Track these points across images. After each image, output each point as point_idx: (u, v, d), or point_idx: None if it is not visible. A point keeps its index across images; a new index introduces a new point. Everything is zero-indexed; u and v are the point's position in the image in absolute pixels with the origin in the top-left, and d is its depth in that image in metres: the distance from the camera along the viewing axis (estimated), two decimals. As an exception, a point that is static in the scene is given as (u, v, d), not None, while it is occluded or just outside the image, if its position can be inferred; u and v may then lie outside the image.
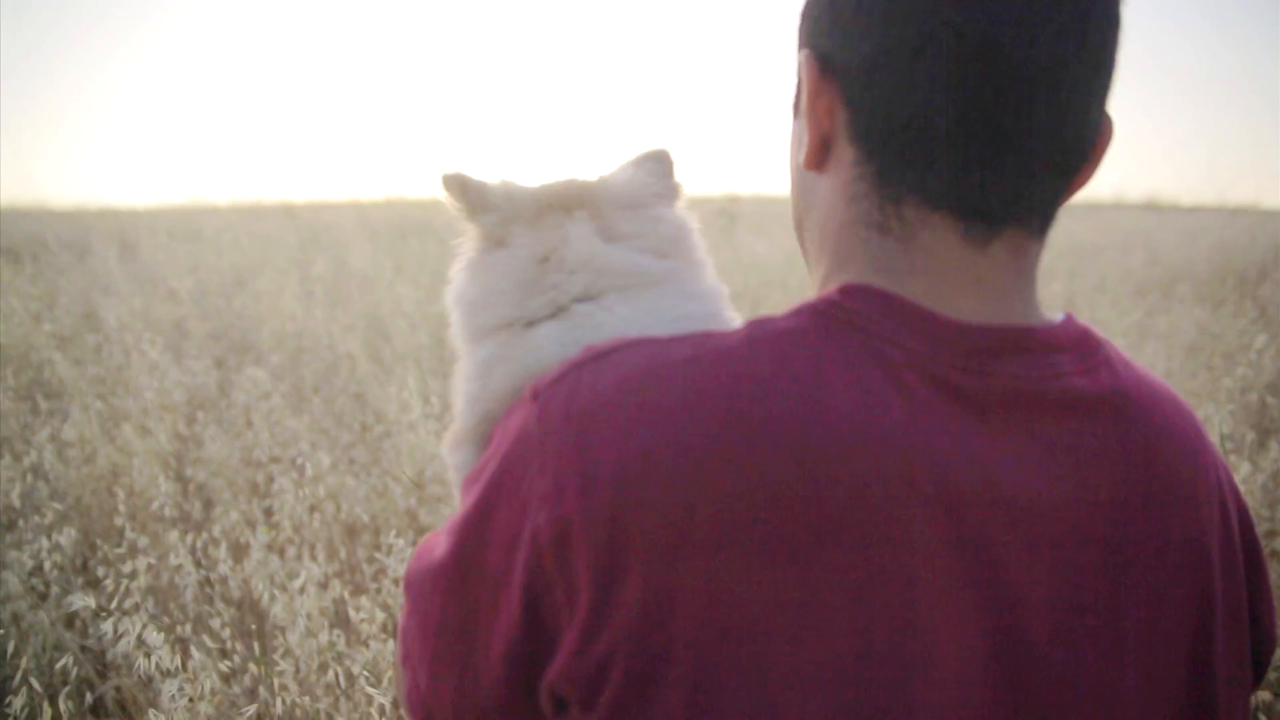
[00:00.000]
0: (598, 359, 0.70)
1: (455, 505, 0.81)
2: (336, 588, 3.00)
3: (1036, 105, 0.70)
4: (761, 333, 0.70)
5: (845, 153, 0.77)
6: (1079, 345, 0.77)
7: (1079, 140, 0.75)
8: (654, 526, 0.63)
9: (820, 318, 0.71)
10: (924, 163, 0.72)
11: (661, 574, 0.63)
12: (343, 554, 3.64)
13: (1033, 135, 0.71)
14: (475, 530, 0.72)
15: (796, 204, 0.89)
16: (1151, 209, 22.45)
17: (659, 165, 0.98)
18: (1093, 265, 9.90)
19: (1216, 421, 3.94)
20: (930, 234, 0.74)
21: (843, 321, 0.71)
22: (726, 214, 9.83)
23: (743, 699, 0.62)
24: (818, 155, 0.79)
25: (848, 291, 0.73)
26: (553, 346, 0.83)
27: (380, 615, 2.87)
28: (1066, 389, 0.73)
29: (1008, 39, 0.68)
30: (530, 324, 0.87)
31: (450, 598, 0.75)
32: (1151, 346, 6.16)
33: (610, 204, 0.91)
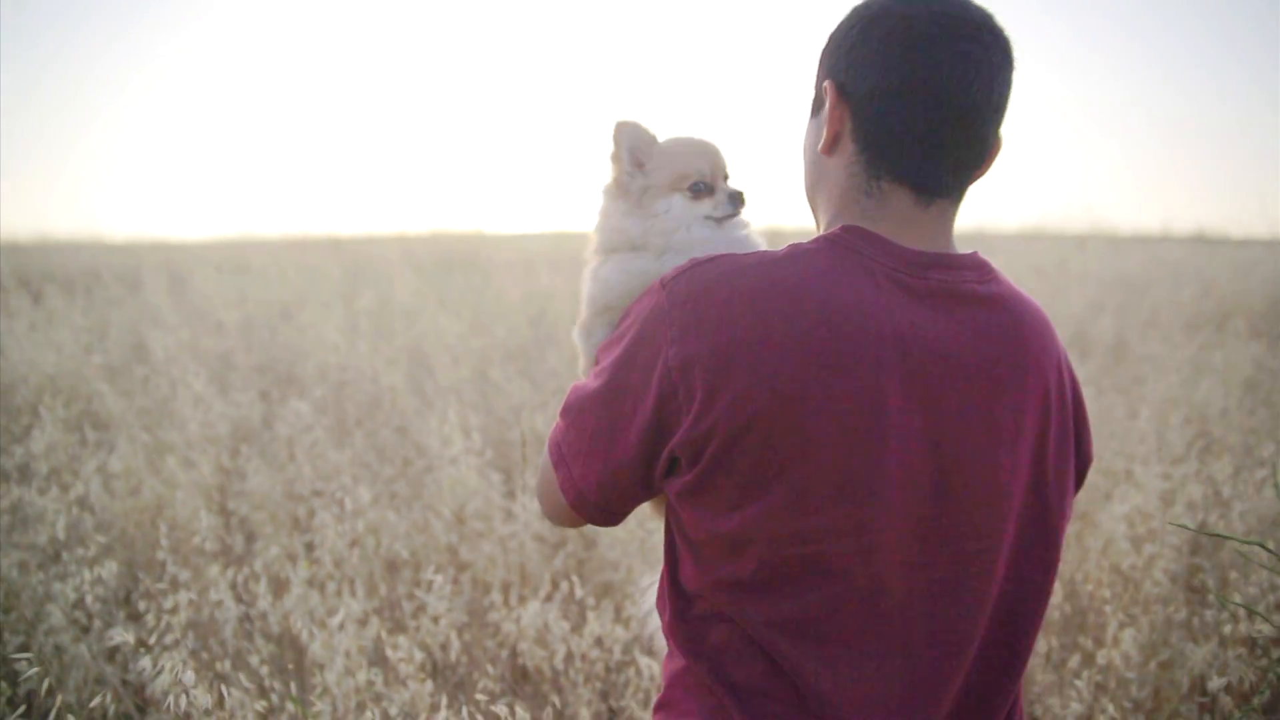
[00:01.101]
0: (702, 264, 1.21)
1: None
2: (375, 625, 2.97)
3: (960, 128, 1.21)
4: (797, 251, 1.21)
5: (848, 146, 1.27)
6: (977, 267, 1.27)
7: (981, 151, 1.25)
8: (742, 356, 1.13)
9: (830, 243, 1.23)
10: (895, 157, 1.23)
11: (745, 382, 1.12)
12: (383, 590, 3.61)
13: (957, 146, 1.23)
14: (624, 366, 1.21)
15: (809, 175, 1.36)
16: (1201, 241, 22.07)
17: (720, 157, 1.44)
18: (1142, 299, 9.71)
19: (1280, 462, 3.82)
20: (896, 198, 1.25)
21: (844, 245, 1.22)
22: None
23: (786, 450, 1.13)
24: (831, 145, 1.28)
25: (847, 229, 1.24)
26: (651, 269, 1.34)
27: (419, 655, 2.84)
28: (968, 289, 1.24)
29: (950, 88, 1.19)
30: (636, 251, 1.39)
31: (604, 410, 1.24)
32: (1207, 382, 6.00)
33: (710, 184, 1.40)
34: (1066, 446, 1.29)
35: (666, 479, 1.23)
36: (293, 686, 2.70)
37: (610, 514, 1.31)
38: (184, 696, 2.32)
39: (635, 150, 1.40)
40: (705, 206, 1.39)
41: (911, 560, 1.18)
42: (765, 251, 1.23)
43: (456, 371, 6.22)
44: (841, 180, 1.27)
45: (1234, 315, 9.00)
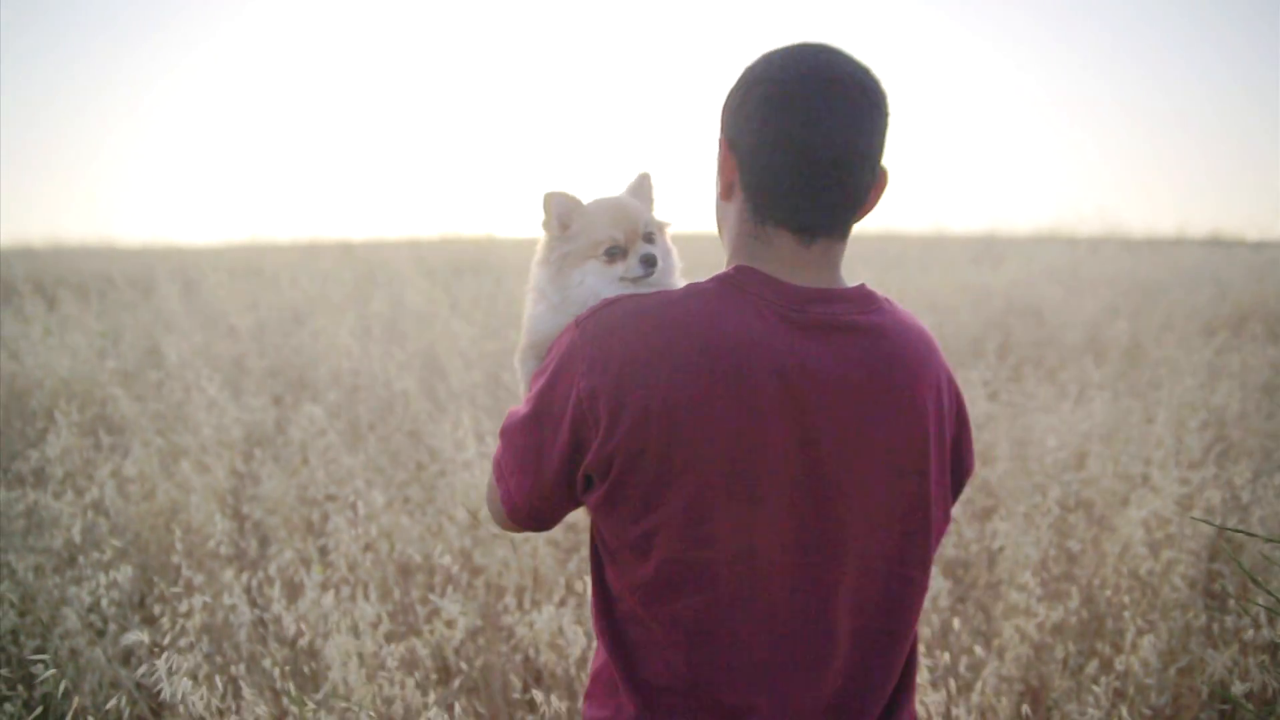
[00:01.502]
0: (609, 304, 1.39)
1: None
2: (389, 627, 2.96)
3: (831, 175, 1.36)
4: (692, 290, 1.39)
5: (739, 194, 1.43)
6: (858, 299, 1.41)
7: (859, 190, 1.39)
8: (637, 386, 1.30)
9: (721, 282, 1.39)
10: (776, 204, 1.39)
11: (640, 408, 1.30)
12: (396, 594, 3.60)
13: (830, 191, 1.37)
14: (546, 394, 1.39)
15: (718, 218, 1.52)
16: (1217, 244, 21.94)
17: (649, 190, 1.63)
18: (1157, 303, 9.65)
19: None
20: (780, 240, 1.40)
21: (733, 284, 1.38)
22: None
23: (677, 466, 1.30)
24: (727, 193, 1.45)
25: (739, 269, 1.40)
26: (568, 319, 1.46)
27: (431, 660, 2.83)
28: (846, 320, 1.37)
29: (815, 141, 1.34)
30: (557, 307, 1.54)
31: (531, 433, 1.41)
32: (1225, 386, 5.95)
33: (625, 248, 1.53)
34: (944, 459, 1.45)
35: (584, 493, 1.40)
36: (304, 688, 2.69)
37: (543, 522, 1.51)
38: (198, 699, 2.32)
39: (562, 217, 1.55)
40: (618, 269, 1.52)
41: (790, 561, 1.35)
42: (665, 292, 1.42)
43: (469, 376, 6.22)
44: (735, 224, 1.44)
45: (1251, 318, 8.95)
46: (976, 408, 5.59)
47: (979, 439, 5.13)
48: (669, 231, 1.62)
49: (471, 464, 4.15)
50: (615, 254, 1.52)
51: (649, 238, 1.54)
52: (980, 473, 4.70)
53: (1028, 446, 4.96)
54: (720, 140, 1.43)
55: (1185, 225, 24.28)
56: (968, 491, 4.44)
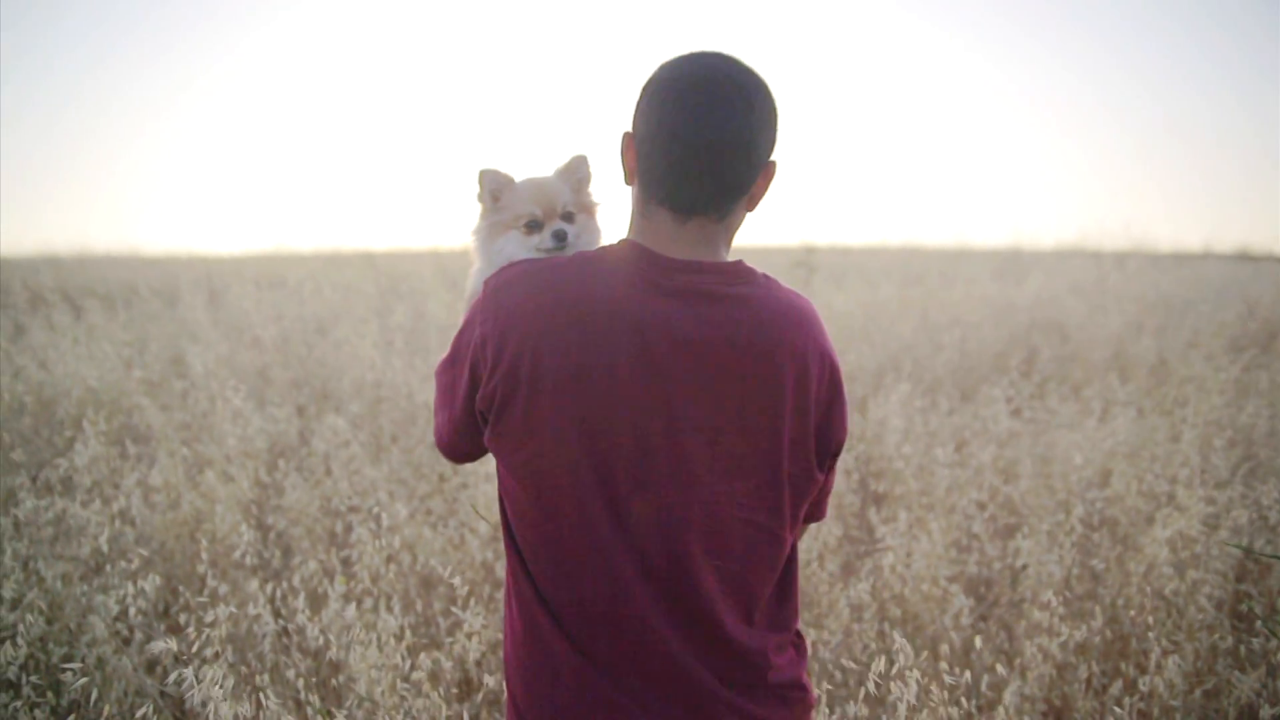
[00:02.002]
0: (510, 267, 1.60)
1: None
2: (411, 639, 2.97)
3: (703, 160, 1.52)
4: (579, 257, 1.59)
5: (635, 179, 1.62)
6: (729, 272, 1.57)
7: (734, 176, 1.55)
8: (515, 335, 1.50)
9: (605, 251, 1.61)
10: (656, 185, 1.57)
11: (514, 353, 1.50)
12: (418, 606, 3.62)
13: (703, 174, 1.53)
14: (458, 341, 1.62)
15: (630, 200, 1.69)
16: (1244, 259, 21.74)
17: (586, 176, 1.82)
18: (1184, 319, 9.57)
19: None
20: (660, 217, 1.58)
21: (614, 254, 1.59)
22: (804, 265, 9.72)
23: (542, 406, 1.50)
24: (628, 178, 1.64)
25: (623, 242, 1.62)
26: (490, 273, 1.65)
27: (454, 671, 2.84)
28: (710, 289, 1.55)
29: (690, 131, 1.51)
30: (483, 270, 1.76)
31: (447, 374, 1.67)
32: (1252, 404, 5.90)
33: (560, 219, 1.77)
34: (806, 424, 1.59)
35: (485, 430, 1.60)
36: (322, 699, 2.71)
37: (462, 454, 1.73)
38: (225, 710, 2.34)
39: (494, 191, 1.78)
40: (534, 241, 1.75)
41: (635, 494, 1.52)
42: (556, 258, 1.63)
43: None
44: (632, 204, 1.64)
45: None
46: (999, 424, 5.57)
47: (1001, 455, 5.11)
48: (598, 210, 1.83)
49: (492, 476, 4.16)
50: (533, 227, 1.75)
51: (567, 216, 1.77)
52: (1003, 489, 4.68)
53: (1051, 464, 4.93)
54: (625, 133, 1.63)
55: (1213, 240, 24.08)
56: (991, 508, 4.42)
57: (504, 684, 1.81)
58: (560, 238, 1.74)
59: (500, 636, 3.42)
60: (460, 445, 1.69)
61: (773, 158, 1.60)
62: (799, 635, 1.73)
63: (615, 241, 1.64)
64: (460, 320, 1.71)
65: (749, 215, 1.65)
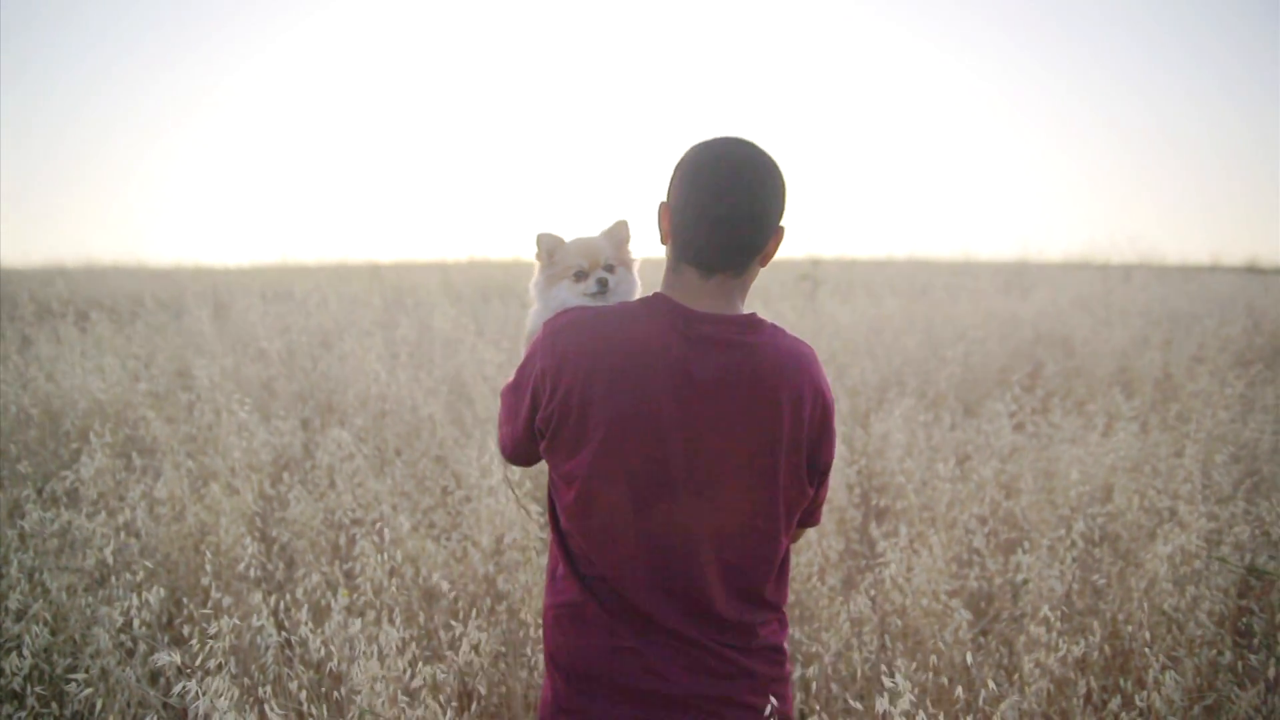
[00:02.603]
0: (567, 312, 1.99)
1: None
2: (413, 652, 2.99)
3: (721, 230, 1.87)
4: (621, 307, 1.96)
5: (669, 241, 1.96)
6: (742, 323, 1.91)
7: (749, 241, 1.90)
8: (570, 369, 1.87)
9: (642, 304, 1.96)
10: (685, 248, 1.92)
11: (568, 385, 1.87)
12: (421, 619, 3.63)
13: (725, 241, 1.88)
14: (523, 370, 2.00)
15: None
16: (1253, 272, 21.71)
17: (626, 236, 2.19)
18: (1190, 333, 9.58)
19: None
20: (687, 274, 1.93)
21: (650, 305, 1.93)
22: (809, 278, 9.74)
23: (590, 428, 1.87)
24: (664, 239, 1.98)
25: (657, 295, 1.95)
26: (548, 315, 2.06)
27: (454, 683, 2.85)
28: (726, 338, 1.88)
29: (711, 206, 1.87)
30: (542, 311, 2.16)
31: (512, 396, 2.04)
32: (1257, 420, 5.90)
33: (604, 270, 2.14)
34: (799, 449, 1.92)
35: (540, 443, 1.98)
36: (328, 712, 2.72)
37: (524, 459, 2.10)
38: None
39: (549, 250, 2.18)
40: (581, 287, 2.13)
41: (658, 501, 1.88)
42: (605, 306, 2.01)
43: (496, 402, 6.26)
44: (667, 262, 1.98)
45: (1284, 350, 8.85)
46: (1002, 439, 5.57)
47: (1003, 470, 5.11)
48: (637, 263, 2.20)
49: (496, 490, 4.18)
50: (580, 276, 2.14)
51: (609, 268, 2.14)
52: (1004, 504, 4.69)
53: (1053, 479, 4.94)
54: (662, 203, 1.97)
55: (1220, 253, 24.08)
56: (992, 523, 4.43)
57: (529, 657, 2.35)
58: (602, 284, 2.12)
59: (501, 648, 3.44)
60: (520, 454, 2.09)
61: (782, 223, 1.93)
62: (783, 613, 2.08)
63: (651, 294, 1.98)
64: (522, 353, 2.12)
65: (762, 269, 2.02)
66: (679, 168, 1.93)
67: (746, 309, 1.96)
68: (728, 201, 1.86)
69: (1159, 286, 14.86)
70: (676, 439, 1.86)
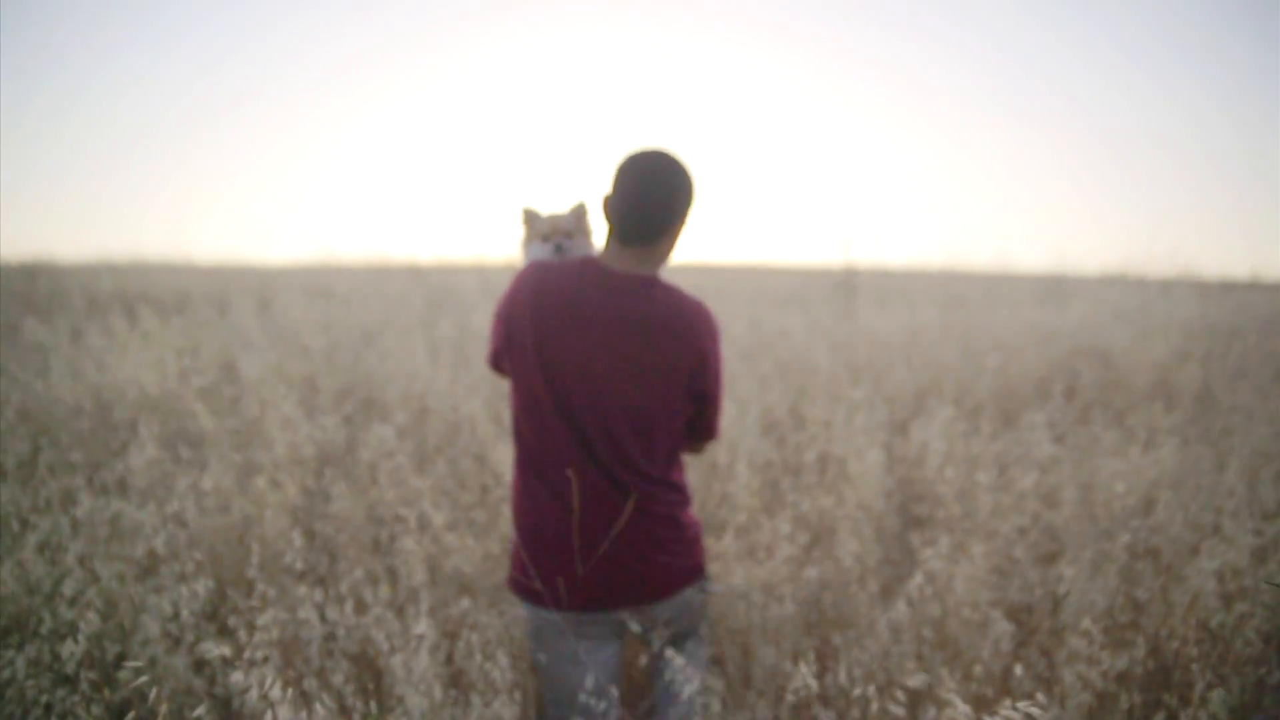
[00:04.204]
0: (529, 266, 2.63)
1: None
2: (448, 647, 3.02)
3: (640, 213, 2.50)
4: (565, 264, 2.60)
5: (607, 220, 2.55)
6: (647, 280, 2.55)
7: (661, 223, 2.51)
8: (519, 305, 2.55)
9: (581, 263, 2.59)
10: (615, 227, 2.53)
11: (510, 320, 2.57)
12: (457, 614, 3.67)
13: (639, 222, 2.50)
14: (499, 306, 2.63)
15: None
16: (1295, 288, 21.32)
17: (584, 212, 2.75)
18: (1230, 348, 9.43)
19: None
20: (613, 246, 2.56)
21: (582, 264, 2.58)
22: (846, 286, 9.70)
23: (525, 354, 2.53)
24: (605, 219, 2.55)
25: (591, 258, 2.60)
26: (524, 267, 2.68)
27: (495, 674, 2.88)
28: (633, 289, 2.53)
29: (630, 194, 2.49)
30: (523, 262, 2.76)
31: (494, 324, 2.65)
32: (1302, 437, 5.80)
33: (563, 236, 2.72)
34: (678, 369, 2.54)
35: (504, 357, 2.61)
36: (373, 706, 2.76)
37: (500, 368, 2.67)
38: (271, 712, 2.40)
39: (528, 219, 2.78)
40: (548, 247, 2.71)
41: (575, 395, 2.49)
42: (550, 262, 2.61)
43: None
44: (605, 235, 2.57)
45: (1330, 366, 8.69)
46: (1042, 450, 5.53)
47: (1043, 481, 5.07)
48: (592, 234, 2.75)
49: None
50: (546, 240, 2.72)
51: (568, 235, 2.71)
52: (1045, 516, 4.65)
53: (1094, 491, 4.89)
54: (605, 195, 2.54)
55: (1261, 268, 23.65)
56: (1033, 534, 4.40)
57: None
58: (559, 247, 2.72)
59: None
60: (499, 365, 2.67)
61: (689, 215, 2.53)
62: (685, 494, 2.69)
63: (588, 257, 2.61)
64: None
65: (676, 247, 2.60)
66: (616, 169, 2.51)
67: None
68: (642, 193, 2.46)
69: (1199, 300, 14.64)
70: (592, 355, 2.47)
